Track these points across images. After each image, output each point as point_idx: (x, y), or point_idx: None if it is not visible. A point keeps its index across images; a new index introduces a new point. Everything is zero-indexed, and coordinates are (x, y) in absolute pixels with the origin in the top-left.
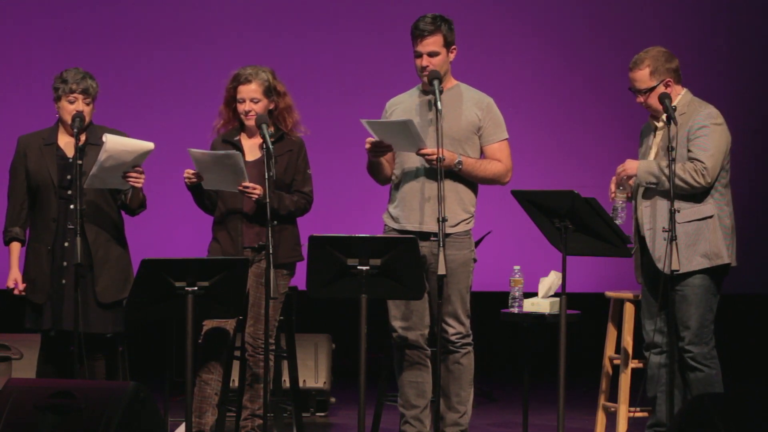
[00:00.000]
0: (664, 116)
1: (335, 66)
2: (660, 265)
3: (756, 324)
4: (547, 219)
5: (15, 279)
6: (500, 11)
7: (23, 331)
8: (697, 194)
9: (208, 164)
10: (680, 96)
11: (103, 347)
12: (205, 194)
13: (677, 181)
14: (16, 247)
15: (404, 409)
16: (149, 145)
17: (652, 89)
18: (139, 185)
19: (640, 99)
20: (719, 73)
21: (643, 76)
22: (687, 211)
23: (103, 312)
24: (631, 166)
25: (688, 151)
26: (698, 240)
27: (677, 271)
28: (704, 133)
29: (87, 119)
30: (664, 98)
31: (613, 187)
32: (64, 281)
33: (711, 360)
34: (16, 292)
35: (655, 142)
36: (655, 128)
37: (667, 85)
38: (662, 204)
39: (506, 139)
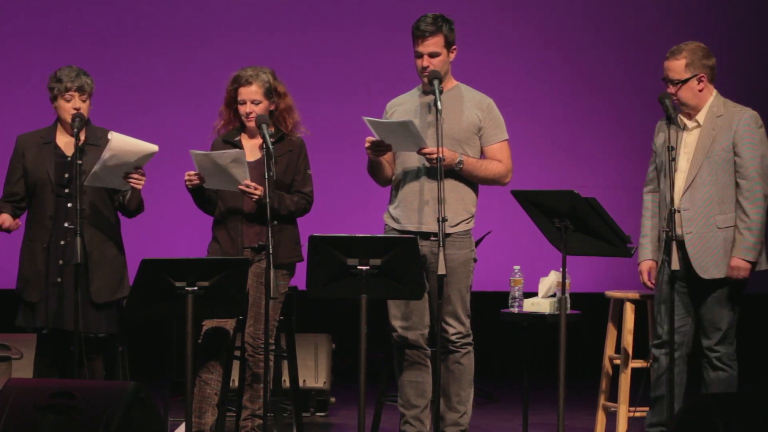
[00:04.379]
0: (698, 116)
1: (336, 66)
2: (697, 270)
3: (755, 324)
4: (547, 219)
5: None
6: (500, 11)
7: (23, 331)
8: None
9: (210, 166)
10: (713, 96)
11: (99, 347)
12: (205, 197)
13: (762, 211)
14: (5, 215)
15: (404, 409)
16: (153, 148)
17: (685, 81)
18: (140, 187)
19: (672, 89)
20: (719, 73)
21: (678, 66)
22: (727, 216)
23: (97, 312)
24: (743, 266)
25: (735, 155)
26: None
27: (678, 271)
28: (750, 139)
29: (85, 116)
30: (664, 98)
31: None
32: (59, 279)
33: (734, 361)
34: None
35: (687, 143)
36: (684, 127)
37: (700, 80)
38: (702, 209)
39: (506, 139)
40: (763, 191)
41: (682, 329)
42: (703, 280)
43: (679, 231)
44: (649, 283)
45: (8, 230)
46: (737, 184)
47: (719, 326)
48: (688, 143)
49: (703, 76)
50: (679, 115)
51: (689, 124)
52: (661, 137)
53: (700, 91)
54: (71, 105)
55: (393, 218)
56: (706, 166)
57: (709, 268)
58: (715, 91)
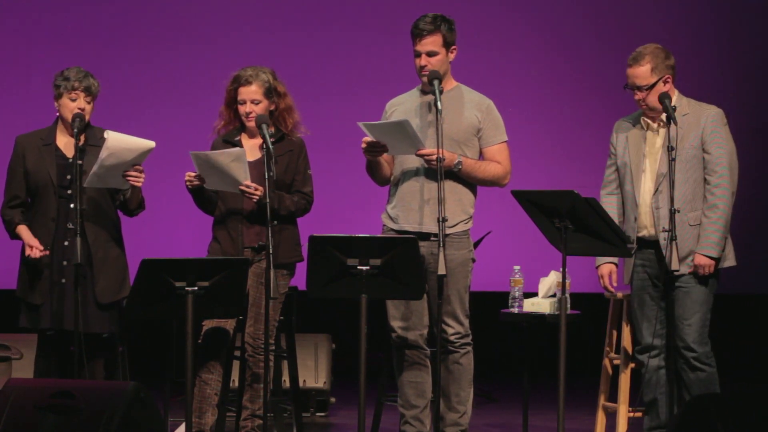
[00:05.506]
0: (663, 116)
1: (336, 66)
2: (673, 267)
3: (754, 325)
4: (547, 219)
5: (33, 246)
6: (501, 11)
7: (23, 331)
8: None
9: (210, 166)
10: (676, 96)
11: (101, 347)
12: (206, 197)
13: (728, 208)
14: (23, 228)
15: (404, 409)
16: (150, 144)
17: (653, 86)
18: (139, 184)
19: (640, 96)
20: (719, 73)
21: (644, 73)
22: (698, 213)
23: (101, 312)
24: (707, 263)
25: (704, 152)
26: None
27: (677, 271)
28: (718, 136)
29: (87, 118)
30: (664, 98)
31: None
32: (63, 280)
33: (711, 359)
34: (36, 254)
35: (652, 143)
36: (648, 127)
37: (666, 82)
38: (677, 207)
39: (506, 141)
40: (730, 188)
41: (663, 331)
42: (674, 280)
43: (652, 231)
44: (610, 287)
45: (33, 257)
46: (706, 181)
47: (691, 323)
48: (655, 144)
49: (668, 78)
50: (642, 117)
51: (653, 125)
52: (622, 138)
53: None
54: (76, 105)
55: (391, 218)
56: (676, 164)
57: (679, 264)
58: (677, 91)
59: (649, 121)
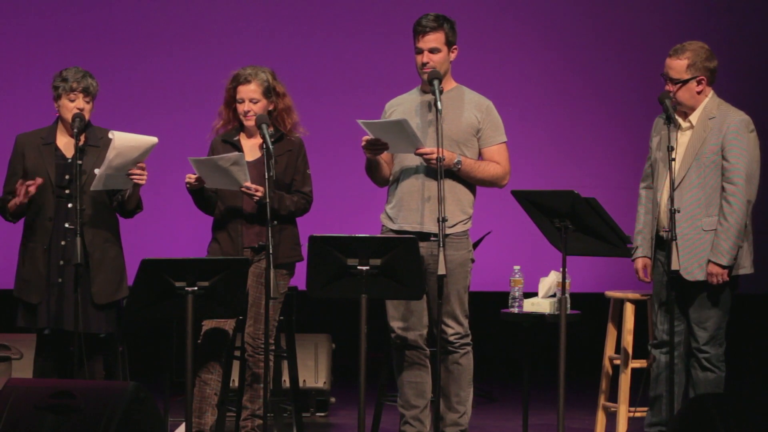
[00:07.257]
0: (692, 115)
1: (335, 67)
2: (681, 271)
3: (755, 325)
4: (547, 219)
5: (26, 186)
6: (501, 11)
7: (23, 331)
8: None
9: (210, 169)
10: (708, 98)
11: (99, 347)
12: (205, 198)
13: (742, 217)
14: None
15: (404, 409)
16: (153, 140)
17: (685, 82)
18: (143, 182)
19: (670, 88)
20: (719, 73)
21: (679, 66)
22: (713, 218)
23: (98, 312)
24: (717, 271)
25: (723, 158)
26: None
27: (678, 271)
28: (738, 144)
29: (86, 118)
30: (664, 98)
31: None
32: (60, 280)
33: (722, 363)
34: (32, 188)
35: (679, 143)
36: (679, 126)
37: (699, 82)
38: (689, 210)
39: (505, 142)
40: (746, 196)
41: (678, 329)
42: (690, 282)
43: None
44: (646, 280)
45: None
46: (723, 188)
47: (706, 327)
48: (681, 144)
49: (702, 79)
50: (675, 114)
51: (683, 124)
52: (657, 134)
53: (699, 92)
54: (75, 105)
55: (390, 218)
56: (695, 167)
57: (693, 269)
58: (711, 92)
59: (680, 119)
